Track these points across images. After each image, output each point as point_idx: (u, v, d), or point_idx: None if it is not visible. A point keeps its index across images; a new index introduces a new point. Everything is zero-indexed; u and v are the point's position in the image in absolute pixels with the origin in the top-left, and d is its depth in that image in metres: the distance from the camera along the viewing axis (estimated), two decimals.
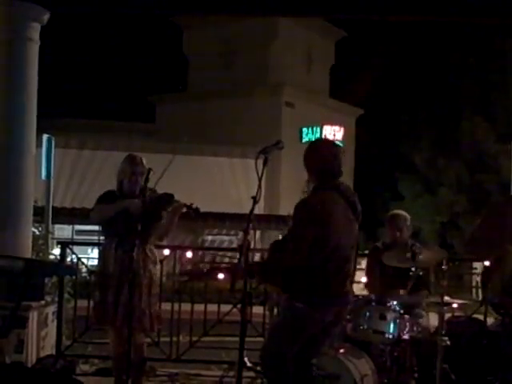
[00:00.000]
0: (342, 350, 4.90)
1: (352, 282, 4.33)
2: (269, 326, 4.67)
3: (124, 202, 5.04)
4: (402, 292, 5.33)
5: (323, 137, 27.77)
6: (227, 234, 24.68)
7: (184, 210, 5.07)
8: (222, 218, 23.18)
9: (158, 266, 5.26)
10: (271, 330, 4.53)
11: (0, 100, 6.37)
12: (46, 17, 6.56)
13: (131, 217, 4.87)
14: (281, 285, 4.27)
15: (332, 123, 28.09)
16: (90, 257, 9.51)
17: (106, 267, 5.12)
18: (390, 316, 5.00)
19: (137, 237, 4.69)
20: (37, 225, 7.85)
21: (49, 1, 6.44)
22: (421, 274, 5.42)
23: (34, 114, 6.52)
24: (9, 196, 6.31)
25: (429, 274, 5.41)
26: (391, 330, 4.98)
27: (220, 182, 24.37)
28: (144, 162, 5.17)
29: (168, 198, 5.05)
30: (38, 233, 7.95)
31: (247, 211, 4.05)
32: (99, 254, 5.36)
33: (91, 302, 5.60)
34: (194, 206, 5.08)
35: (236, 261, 4.15)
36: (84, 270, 7.70)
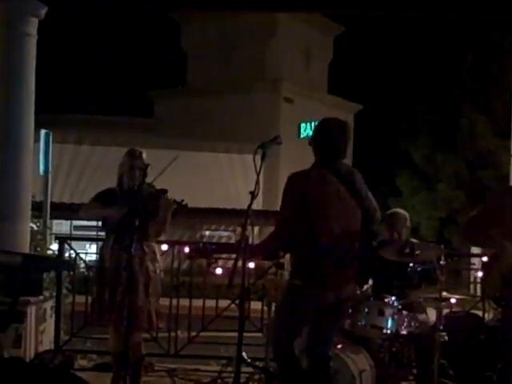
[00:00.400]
0: (340, 346, 4.90)
1: (350, 264, 4.24)
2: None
3: (109, 210, 5.06)
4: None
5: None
6: (225, 230, 24.69)
7: (174, 206, 5.05)
8: (220, 213, 23.19)
9: (158, 264, 5.20)
10: (276, 311, 4.51)
11: None
12: (44, 11, 6.54)
13: (128, 213, 4.85)
14: (272, 257, 4.46)
15: None
16: (88, 252, 9.50)
17: (103, 263, 5.11)
18: (388, 312, 4.99)
19: (134, 233, 4.68)
20: (35, 220, 7.85)
21: None
22: (419, 269, 5.41)
23: (31, 108, 6.51)
24: (7, 191, 6.31)
25: (434, 269, 5.37)
26: (389, 326, 4.98)
27: (218, 178, 24.37)
28: (144, 155, 5.15)
29: (157, 193, 5.03)
30: (36, 228, 7.95)
31: (246, 207, 4.05)
32: (98, 249, 5.36)
33: (89, 298, 5.60)
34: (183, 202, 5.06)
35: (234, 257, 4.14)
36: (82, 265, 7.70)
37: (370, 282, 5.72)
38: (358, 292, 5.14)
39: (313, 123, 28.15)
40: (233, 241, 20.46)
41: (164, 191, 5.04)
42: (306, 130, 28.25)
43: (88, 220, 5.53)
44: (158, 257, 5.23)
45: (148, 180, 4.98)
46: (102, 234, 5.38)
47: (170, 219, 5.11)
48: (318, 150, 4.33)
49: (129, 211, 4.84)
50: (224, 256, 6.91)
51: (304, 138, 28.05)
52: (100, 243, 5.46)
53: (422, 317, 5.28)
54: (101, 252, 5.22)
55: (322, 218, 4.15)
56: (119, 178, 5.21)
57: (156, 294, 5.11)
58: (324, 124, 4.43)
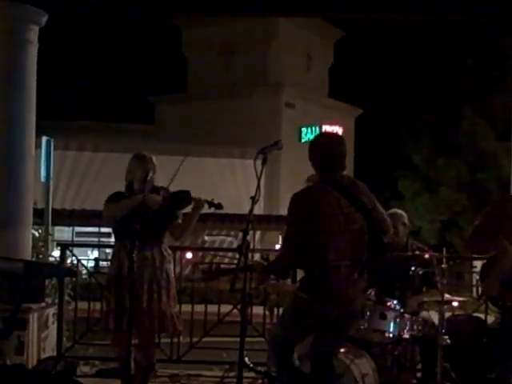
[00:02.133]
0: (342, 350, 4.89)
1: (361, 278, 4.22)
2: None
3: (139, 196, 4.82)
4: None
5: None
6: (227, 235, 24.69)
7: (205, 206, 5.02)
8: (221, 218, 23.17)
9: (172, 266, 5.18)
10: (280, 318, 4.52)
11: None
12: (44, 19, 6.55)
13: (147, 216, 4.72)
14: (283, 276, 4.39)
15: (331, 123, 28.12)
16: (90, 258, 9.51)
17: (121, 270, 4.92)
18: (390, 315, 4.99)
19: (152, 237, 4.65)
20: (36, 227, 7.85)
21: (47, 2, 6.44)
22: (421, 273, 5.41)
23: (33, 116, 6.52)
24: (8, 198, 6.31)
25: (433, 272, 5.37)
26: (391, 329, 4.98)
27: (220, 183, 24.36)
28: (154, 159, 5.09)
29: (187, 196, 4.96)
30: (37, 235, 7.95)
31: (247, 211, 4.05)
32: (112, 256, 5.14)
33: (92, 304, 5.59)
34: (215, 201, 5.05)
35: (236, 261, 4.15)
36: (84, 271, 7.70)
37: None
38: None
39: (314, 128, 28.19)
40: (234, 246, 20.44)
41: (188, 193, 4.99)
42: (307, 134, 28.29)
43: (109, 225, 5.25)
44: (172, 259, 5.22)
45: (160, 184, 4.99)
46: (104, 240, 5.37)
47: (195, 221, 5.04)
48: (317, 166, 4.30)
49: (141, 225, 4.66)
50: (226, 261, 6.90)
51: (305, 142, 28.09)
52: (102, 249, 5.44)
53: (423, 314, 5.27)
54: (117, 258, 5.00)
55: (327, 234, 4.11)
56: (129, 184, 5.10)
57: (174, 297, 5.09)
58: (317, 140, 4.46)
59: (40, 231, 8.26)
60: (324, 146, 4.30)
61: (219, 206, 5.01)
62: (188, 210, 5.07)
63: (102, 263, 11.96)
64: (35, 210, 6.86)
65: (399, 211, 5.83)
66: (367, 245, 4.20)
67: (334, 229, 4.11)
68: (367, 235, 4.20)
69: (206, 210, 5.05)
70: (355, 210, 4.19)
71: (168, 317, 4.98)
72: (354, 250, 4.16)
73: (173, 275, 5.12)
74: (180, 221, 5.08)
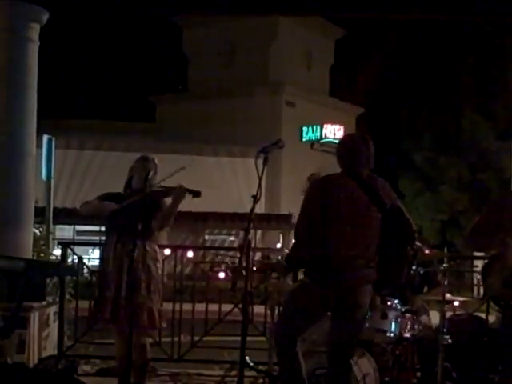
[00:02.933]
0: None
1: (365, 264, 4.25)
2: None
3: (108, 203, 5.07)
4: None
5: (324, 136, 27.86)
6: (228, 234, 24.69)
7: (186, 194, 5.06)
8: (222, 217, 23.20)
9: (160, 264, 5.22)
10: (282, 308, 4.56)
11: (0, 101, 6.37)
12: (46, 17, 6.56)
13: (131, 212, 4.85)
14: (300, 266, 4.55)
15: (332, 122, 28.11)
16: (91, 257, 9.51)
17: (105, 265, 5.10)
18: (391, 315, 4.99)
19: (138, 236, 4.69)
20: (37, 225, 7.86)
21: (48, 1, 6.45)
22: (422, 272, 5.41)
23: (34, 114, 6.53)
24: (10, 197, 6.32)
25: (435, 272, 5.38)
26: (393, 329, 4.98)
27: (221, 182, 24.38)
28: (156, 161, 5.20)
29: (166, 189, 5.05)
30: (38, 233, 7.96)
31: (248, 211, 4.05)
32: (101, 252, 5.34)
33: (93, 302, 5.59)
34: (194, 189, 5.08)
35: (237, 261, 4.16)
36: (85, 270, 7.70)
37: None
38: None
39: (315, 127, 28.18)
40: (235, 245, 20.44)
41: (170, 188, 5.06)
42: (308, 133, 28.27)
43: (87, 216, 5.43)
44: (159, 257, 5.24)
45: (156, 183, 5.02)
46: (105, 238, 5.37)
47: (176, 210, 5.09)
48: (342, 161, 4.43)
49: (132, 205, 4.85)
50: (227, 260, 6.90)
51: (306, 141, 28.10)
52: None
53: (424, 318, 5.28)
54: (103, 253, 5.20)
55: (335, 221, 4.18)
56: (129, 179, 5.22)
57: (158, 293, 5.10)
58: (346, 137, 4.82)
59: (41, 230, 8.27)
60: (351, 143, 4.48)
61: (198, 194, 5.02)
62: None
63: None
64: (36, 209, 6.87)
65: None
66: (380, 239, 4.25)
67: (342, 215, 4.18)
68: (379, 229, 4.24)
69: (188, 199, 5.06)
70: (369, 202, 4.24)
71: (144, 310, 4.97)
72: (361, 239, 4.20)
73: (157, 272, 5.12)
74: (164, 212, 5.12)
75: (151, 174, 5.04)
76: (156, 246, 5.19)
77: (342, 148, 4.50)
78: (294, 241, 4.41)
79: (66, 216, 18.63)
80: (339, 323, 4.26)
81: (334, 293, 4.17)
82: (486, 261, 4.71)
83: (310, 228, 4.21)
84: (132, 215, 4.81)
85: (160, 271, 5.20)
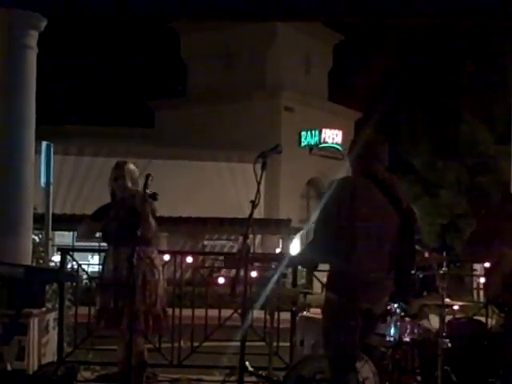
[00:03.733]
0: None
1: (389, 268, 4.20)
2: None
3: (95, 223, 5.26)
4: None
5: (322, 140, 27.85)
6: (227, 239, 24.68)
7: (147, 198, 5.03)
8: (221, 222, 23.18)
9: (158, 269, 5.23)
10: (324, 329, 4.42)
11: None
12: (44, 24, 6.58)
13: (122, 224, 4.94)
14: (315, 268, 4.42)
15: (331, 127, 28.11)
16: (91, 263, 9.50)
17: (104, 274, 5.20)
18: (390, 319, 4.99)
19: (136, 243, 4.70)
20: (37, 232, 7.85)
21: (46, 8, 6.45)
22: (421, 276, 5.41)
23: (32, 120, 6.53)
24: (9, 203, 6.32)
25: (434, 276, 5.37)
26: (392, 333, 4.97)
27: (220, 187, 24.37)
28: (128, 166, 5.23)
29: (134, 195, 5.10)
30: (38, 240, 7.95)
31: (247, 215, 4.05)
32: (102, 260, 5.42)
33: (93, 309, 5.60)
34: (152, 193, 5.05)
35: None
36: (84, 276, 7.70)
37: None
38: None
39: (313, 131, 28.18)
40: (235, 250, 20.43)
41: (154, 195, 5.04)
42: (307, 138, 28.26)
43: (86, 238, 5.54)
44: (157, 262, 5.24)
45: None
46: (104, 244, 5.41)
47: (148, 213, 5.02)
48: (360, 160, 4.32)
49: (118, 219, 4.93)
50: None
51: (305, 146, 28.10)
52: (103, 254, 5.49)
53: (424, 323, 5.27)
54: (103, 263, 5.30)
55: (360, 228, 4.10)
56: (111, 192, 5.33)
57: (156, 299, 5.12)
58: (361, 136, 4.56)
59: (40, 236, 8.27)
60: (368, 141, 4.39)
61: (153, 196, 4.96)
62: None
63: None
64: (35, 215, 6.87)
65: None
66: (398, 244, 4.21)
67: (367, 223, 4.10)
68: (397, 233, 4.19)
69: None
70: (391, 208, 4.19)
71: (140, 317, 5.00)
72: (385, 247, 4.16)
73: (153, 277, 5.14)
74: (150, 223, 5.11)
75: (119, 181, 5.14)
76: (153, 251, 5.20)
77: (361, 146, 4.37)
78: (310, 241, 4.26)
79: (65, 222, 18.61)
80: (362, 334, 4.23)
81: (363, 304, 4.13)
82: (486, 265, 4.72)
83: (335, 237, 4.10)
84: (121, 225, 4.92)
85: (158, 276, 5.20)
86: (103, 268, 5.27)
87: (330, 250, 4.12)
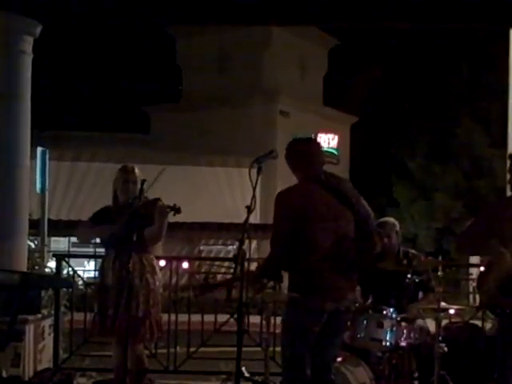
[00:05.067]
0: (339, 359, 4.88)
1: (350, 276, 4.25)
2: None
3: (103, 227, 5.11)
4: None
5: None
6: (224, 244, 24.66)
7: (168, 210, 5.06)
8: (218, 227, 23.16)
9: (158, 276, 5.23)
10: (282, 331, 4.47)
11: None
12: (39, 29, 6.57)
13: (126, 227, 4.87)
14: (276, 277, 4.45)
15: (327, 131, 28.14)
16: (86, 269, 9.49)
17: (104, 279, 5.13)
18: (387, 324, 4.98)
19: (132, 248, 4.69)
20: (32, 238, 7.84)
21: (41, 13, 6.45)
22: (417, 280, 5.42)
23: (28, 126, 6.52)
24: (4, 209, 6.30)
25: (429, 278, 5.37)
26: (388, 338, 4.97)
27: (216, 192, 24.36)
28: (136, 170, 5.19)
29: (153, 201, 5.07)
30: (33, 246, 7.94)
31: (243, 220, 4.05)
32: (99, 265, 5.35)
33: (88, 315, 5.59)
34: (176, 206, 5.07)
35: (232, 271, 4.15)
36: (80, 282, 7.68)
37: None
38: (357, 304, 5.11)
39: (309, 136, 28.21)
40: (231, 255, 20.41)
41: (157, 199, 5.07)
42: None
43: (87, 242, 5.51)
44: (157, 270, 5.25)
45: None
46: (100, 250, 5.39)
47: (165, 226, 5.10)
48: (298, 166, 4.37)
49: (126, 224, 4.85)
50: (223, 270, 6.90)
51: None
52: (99, 260, 5.47)
53: (419, 322, 5.27)
54: (102, 268, 5.22)
55: (314, 231, 4.15)
56: (114, 194, 5.25)
57: (157, 305, 5.14)
58: (293, 142, 4.50)
59: (36, 242, 8.26)
60: (301, 145, 4.44)
61: (178, 210, 5.01)
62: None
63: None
64: (30, 221, 6.86)
65: (391, 220, 5.83)
66: (356, 238, 4.24)
67: (321, 226, 4.15)
68: (353, 231, 4.24)
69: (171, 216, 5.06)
70: (342, 207, 4.24)
71: (146, 325, 5.01)
72: (342, 244, 4.19)
73: (155, 284, 5.13)
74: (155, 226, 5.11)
75: (130, 186, 5.07)
76: (153, 257, 5.20)
77: (295, 151, 4.39)
78: (269, 253, 4.30)
79: (60, 228, 18.58)
80: (328, 332, 4.23)
81: (330, 302, 4.15)
82: (481, 269, 4.72)
83: (290, 241, 4.14)
84: (127, 231, 4.82)
85: (158, 282, 5.21)
86: (102, 273, 5.19)
87: (288, 257, 4.16)
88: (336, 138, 28.16)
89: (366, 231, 4.28)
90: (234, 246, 22.57)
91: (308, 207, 4.18)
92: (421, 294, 5.55)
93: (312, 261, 4.13)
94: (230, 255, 20.74)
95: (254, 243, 23.12)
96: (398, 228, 5.74)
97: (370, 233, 4.29)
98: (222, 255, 23.61)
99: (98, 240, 5.36)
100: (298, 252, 4.16)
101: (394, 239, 5.66)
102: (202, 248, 24.67)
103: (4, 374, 5.19)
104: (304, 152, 4.38)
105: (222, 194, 24.47)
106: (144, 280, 5.04)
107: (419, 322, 5.28)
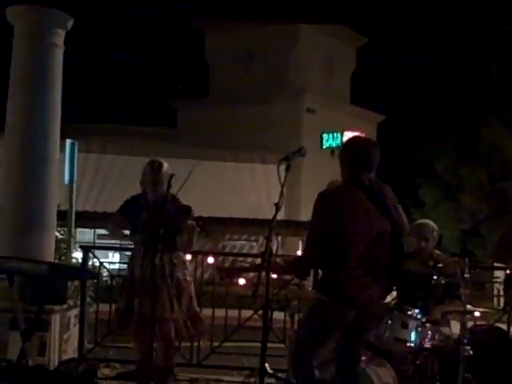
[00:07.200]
0: (363, 358, 4.87)
1: (380, 279, 4.22)
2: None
3: (133, 237, 5.18)
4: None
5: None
6: (247, 240, 24.68)
7: (198, 230, 5.13)
8: (242, 223, 23.18)
9: (188, 271, 5.27)
10: (300, 324, 4.48)
11: (25, 106, 6.44)
12: (70, 23, 6.63)
13: (154, 228, 4.84)
14: (305, 277, 4.40)
15: (353, 129, 27.96)
16: (112, 261, 9.54)
17: (132, 274, 5.14)
18: (411, 324, 4.96)
19: (159, 243, 4.70)
20: (59, 229, 7.90)
21: (73, 7, 6.51)
22: (443, 282, 5.38)
23: (58, 119, 6.59)
24: (33, 202, 6.37)
25: (457, 284, 5.33)
26: (413, 339, 4.95)
27: (241, 188, 24.39)
28: (165, 167, 5.16)
29: (187, 209, 5.10)
30: (60, 237, 8.01)
31: (267, 217, 4.06)
32: (128, 261, 5.33)
33: (113, 306, 5.63)
34: (200, 223, 5.14)
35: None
36: (105, 273, 7.74)
37: (394, 293, 5.68)
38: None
39: (335, 134, 28.12)
40: (255, 251, 20.41)
41: (188, 209, 5.09)
42: (329, 140, 28.22)
43: (118, 236, 5.52)
44: (187, 264, 5.28)
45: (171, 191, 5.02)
46: (126, 243, 5.42)
47: (195, 242, 5.20)
48: (347, 166, 4.31)
49: (154, 229, 4.80)
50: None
51: (326, 148, 28.04)
52: (126, 253, 5.51)
53: (445, 330, 5.24)
54: (131, 262, 5.21)
55: (350, 236, 4.11)
56: (143, 192, 5.25)
57: (189, 303, 5.17)
58: (351, 140, 4.50)
59: (62, 232, 8.33)
60: (357, 146, 4.36)
61: (204, 229, 5.11)
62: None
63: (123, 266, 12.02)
64: (58, 212, 6.92)
65: (431, 223, 5.77)
66: (388, 249, 4.20)
67: (357, 231, 4.12)
68: (389, 239, 4.20)
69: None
70: (380, 214, 4.19)
71: (181, 324, 5.06)
72: (375, 253, 4.16)
73: (186, 281, 5.16)
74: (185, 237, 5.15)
75: (161, 188, 5.06)
76: (182, 254, 5.21)
77: (349, 151, 4.33)
78: (303, 252, 4.30)
79: (86, 219, 18.73)
80: (354, 337, 4.26)
81: (352, 309, 4.14)
82: (508, 271, 4.68)
83: (326, 244, 4.11)
84: (156, 229, 4.79)
85: (189, 278, 5.24)
86: (131, 268, 5.17)
87: (321, 258, 4.13)
88: (362, 136, 28.03)
89: (399, 243, 4.24)
90: (258, 242, 22.62)
91: (347, 212, 4.13)
92: (447, 301, 5.49)
93: (344, 267, 4.10)
94: (254, 251, 20.77)
95: (279, 239, 23.11)
96: (436, 233, 5.69)
97: (402, 245, 4.26)
98: (245, 251, 23.64)
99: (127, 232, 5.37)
100: (332, 257, 4.12)
101: (430, 243, 5.62)
102: (225, 243, 24.72)
103: (30, 363, 5.23)
104: (362, 154, 4.29)
105: (247, 189, 24.48)
106: (175, 279, 5.06)
107: (445, 329, 5.24)
